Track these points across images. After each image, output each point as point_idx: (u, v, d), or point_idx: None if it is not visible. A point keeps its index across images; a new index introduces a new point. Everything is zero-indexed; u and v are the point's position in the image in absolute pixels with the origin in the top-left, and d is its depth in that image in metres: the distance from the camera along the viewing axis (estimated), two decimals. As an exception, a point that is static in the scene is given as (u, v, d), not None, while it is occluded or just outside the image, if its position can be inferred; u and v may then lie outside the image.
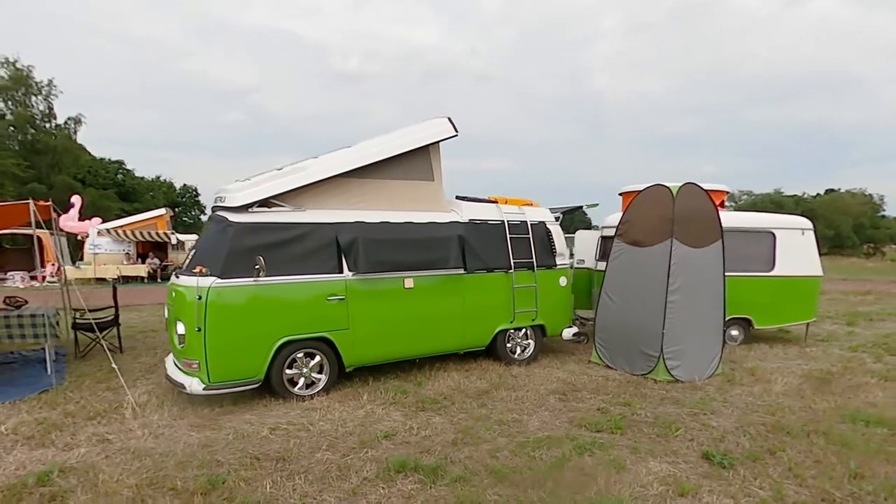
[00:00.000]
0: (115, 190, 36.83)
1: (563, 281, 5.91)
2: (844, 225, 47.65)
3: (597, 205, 6.39)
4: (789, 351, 6.61)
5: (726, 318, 6.55)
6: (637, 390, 4.93)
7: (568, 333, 6.05)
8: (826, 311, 10.13)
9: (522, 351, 5.88)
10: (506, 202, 5.67)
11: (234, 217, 4.21)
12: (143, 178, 43.44)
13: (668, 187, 5.10)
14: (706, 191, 5.17)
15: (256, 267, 4.04)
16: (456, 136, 4.99)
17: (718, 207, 6.87)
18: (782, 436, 3.82)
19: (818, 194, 53.50)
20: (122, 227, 18.55)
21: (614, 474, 3.20)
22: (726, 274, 6.41)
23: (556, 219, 6.04)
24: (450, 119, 5.00)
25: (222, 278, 4.02)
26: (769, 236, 6.41)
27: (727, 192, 6.91)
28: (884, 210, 51.65)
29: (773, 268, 6.44)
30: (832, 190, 54.02)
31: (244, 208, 4.24)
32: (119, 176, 39.86)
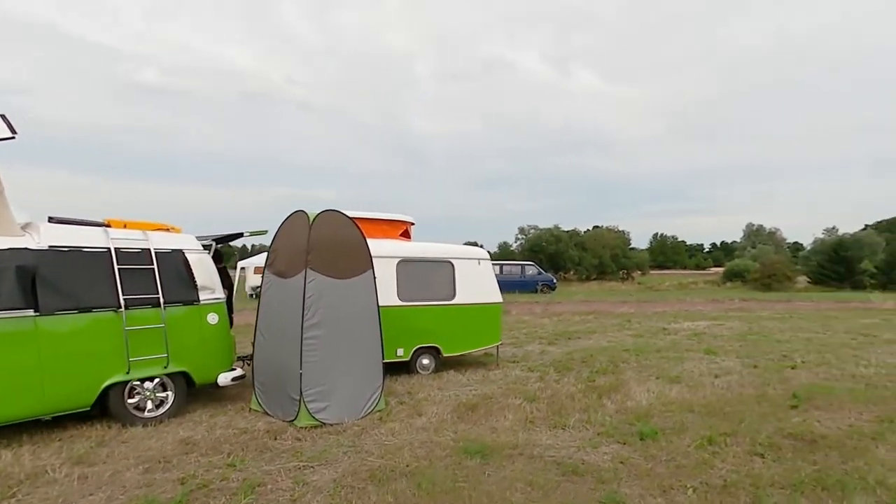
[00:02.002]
0: None
1: (212, 318, 5.07)
2: (605, 255, 57.54)
3: (264, 232, 5.80)
4: (474, 375, 6.80)
5: (416, 348, 6.53)
6: (265, 443, 4.27)
7: (225, 379, 5.20)
8: (542, 332, 11.24)
9: (157, 406, 4.82)
10: (124, 226, 4.65)
11: None
12: None
13: (306, 214, 4.69)
14: (352, 219, 4.91)
15: None
16: (13, 137, 3.84)
17: (403, 237, 6.91)
18: (369, 485, 3.49)
19: (587, 230, 63.83)
20: None
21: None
22: (414, 304, 6.41)
23: (207, 247, 5.23)
24: (4, 117, 3.83)
25: None
26: (448, 266, 6.59)
27: (411, 223, 7.00)
28: (631, 243, 63.81)
29: (454, 296, 6.61)
30: (597, 226, 65.06)
31: None
32: None
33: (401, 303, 6.20)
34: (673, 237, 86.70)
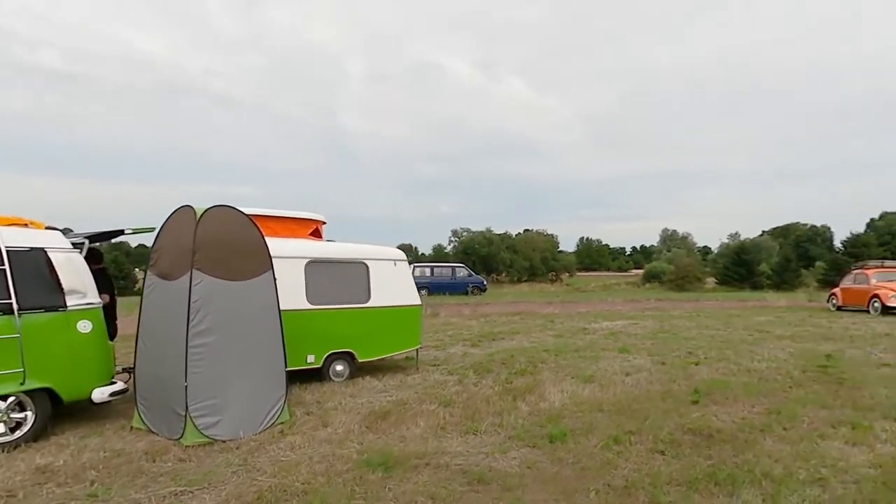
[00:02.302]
0: None
1: (84, 326, 4.45)
2: (535, 258, 59.39)
3: (151, 229, 5.17)
4: (391, 380, 6.55)
5: (329, 354, 6.18)
6: (141, 467, 3.77)
7: (102, 394, 4.59)
8: (468, 334, 11.19)
9: (12, 429, 4.15)
10: (-34, 218, 3.97)
11: None
12: None
13: (193, 209, 4.24)
14: (251, 216, 4.51)
15: None
16: None
17: (313, 237, 6.54)
18: (254, 508, 3.15)
19: (519, 233, 65.55)
20: None
21: None
22: (326, 307, 6.06)
23: (79, 245, 4.61)
24: None
25: None
26: (362, 267, 6.29)
27: (323, 222, 6.66)
28: (559, 246, 66.35)
29: (369, 299, 6.33)
30: (528, 230, 67.02)
31: None
32: None
33: (311, 306, 5.84)
34: (598, 241, 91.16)
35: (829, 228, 58.66)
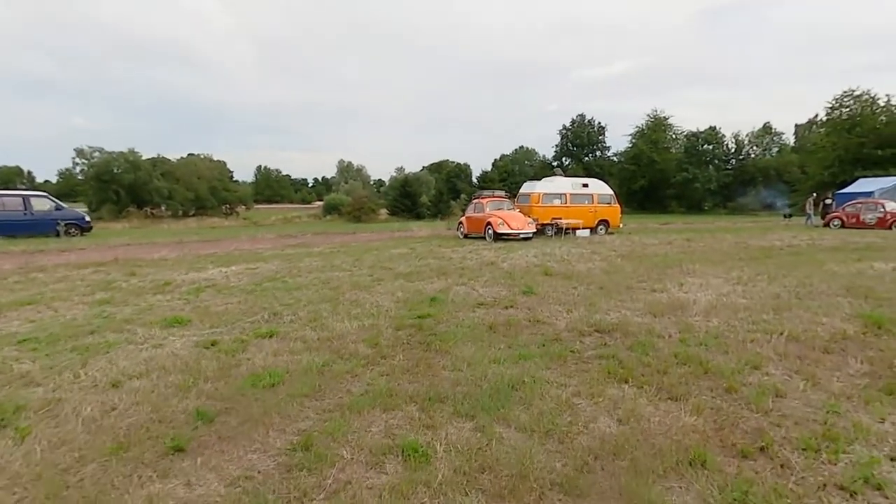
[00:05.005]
0: None
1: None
2: (202, 188, 50.91)
3: None
4: None
5: None
6: None
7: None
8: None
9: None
10: None
11: None
12: None
13: None
14: None
15: None
16: None
17: None
18: None
19: (180, 158, 54.67)
20: None
21: None
22: None
23: None
24: None
25: None
26: None
27: None
28: (233, 175, 58.99)
29: None
30: (192, 154, 56.71)
31: None
32: None
33: None
34: (277, 171, 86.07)
35: (469, 166, 70.31)
